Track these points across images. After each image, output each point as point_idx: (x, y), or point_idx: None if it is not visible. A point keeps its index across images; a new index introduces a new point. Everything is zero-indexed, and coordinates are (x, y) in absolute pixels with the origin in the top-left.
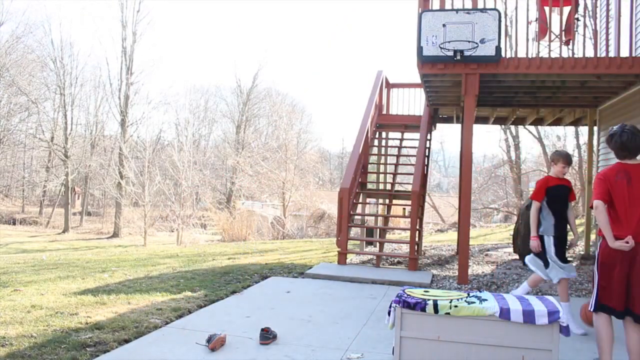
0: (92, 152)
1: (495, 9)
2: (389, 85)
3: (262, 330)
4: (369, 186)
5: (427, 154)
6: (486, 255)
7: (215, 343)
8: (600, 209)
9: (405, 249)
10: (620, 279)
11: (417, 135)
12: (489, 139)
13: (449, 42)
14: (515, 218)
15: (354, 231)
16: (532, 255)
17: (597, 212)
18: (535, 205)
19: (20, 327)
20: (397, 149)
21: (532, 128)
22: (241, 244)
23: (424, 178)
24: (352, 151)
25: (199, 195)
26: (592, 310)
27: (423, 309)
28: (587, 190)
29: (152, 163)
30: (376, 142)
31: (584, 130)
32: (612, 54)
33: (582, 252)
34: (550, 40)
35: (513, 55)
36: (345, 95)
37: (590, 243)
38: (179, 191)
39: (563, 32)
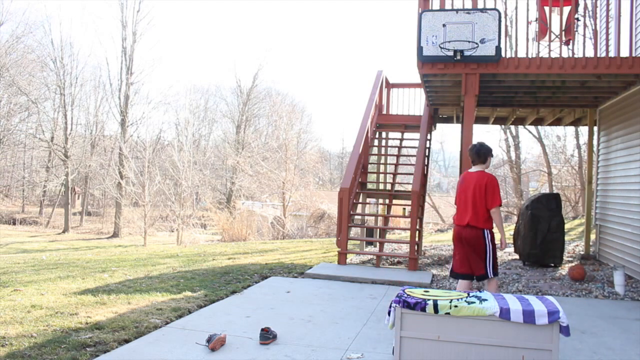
0: (92, 152)
1: (495, 9)
2: (389, 85)
3: (262, 330)
4: (369, 186)
5: (427, 154)
6: None
7: (215, 343)
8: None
9: (405, 249)
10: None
11: (417, 135)
12: (489, 139)
13: (449, 42)
14: (515, 218)
15: (354, 231)
16: None
17: None
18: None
19: (20, 327)
20: (397, 149)
21: (532, 128)
22: (241, 244)
23: (424, 178)
24: (352, 151)
25: (199, 195)
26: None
27: (423, 309)
28: (587, 190)
29: (152, 163)
30: (376, 142)
31: (584, 130)
32: (612, 54)
33: (582, 252)
34: (550, 40)
35: (513, 55)
36: (345, 95)
37: (590, 243)
38: (179, 191)
39: (563, 32)
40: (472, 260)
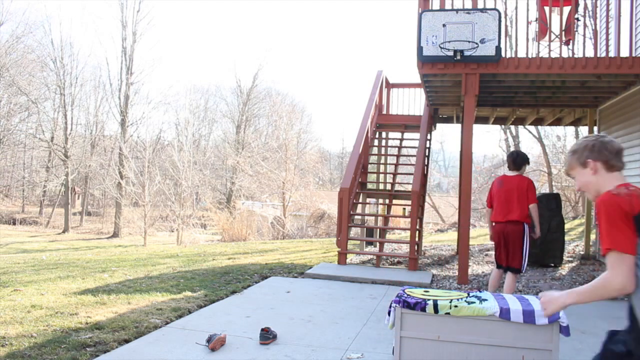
0: (92, 152)
1: (495, 9)
2: (389, 85)
3: (262, 330)
4: (369, 186)
5: (427, 154)
6: (486, 255)
7: (215, 343)
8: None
9: (405, 249)
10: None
11: (417, 135)
12: (489, 139)
13: (449, 42)
14: None
15: (354, 231)
16: None
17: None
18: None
19: (20, 327)
20: (397, 149)
21: (532, 128)
22: (241, 244)
23: (424, 178)
24: (352, 151)
25: (199, 195)
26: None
27: (423, 309)
28: None
29: (152, 163)
30: (376, 142)
31: (584, 130)
32: (612, 54)
33: (582, 252)
34: (550, 40)
35: (513, 55)
36: (345, 95)
37: (590, 243)
38: (179, 191)
39: (563, 32)
40: (510, 253)
